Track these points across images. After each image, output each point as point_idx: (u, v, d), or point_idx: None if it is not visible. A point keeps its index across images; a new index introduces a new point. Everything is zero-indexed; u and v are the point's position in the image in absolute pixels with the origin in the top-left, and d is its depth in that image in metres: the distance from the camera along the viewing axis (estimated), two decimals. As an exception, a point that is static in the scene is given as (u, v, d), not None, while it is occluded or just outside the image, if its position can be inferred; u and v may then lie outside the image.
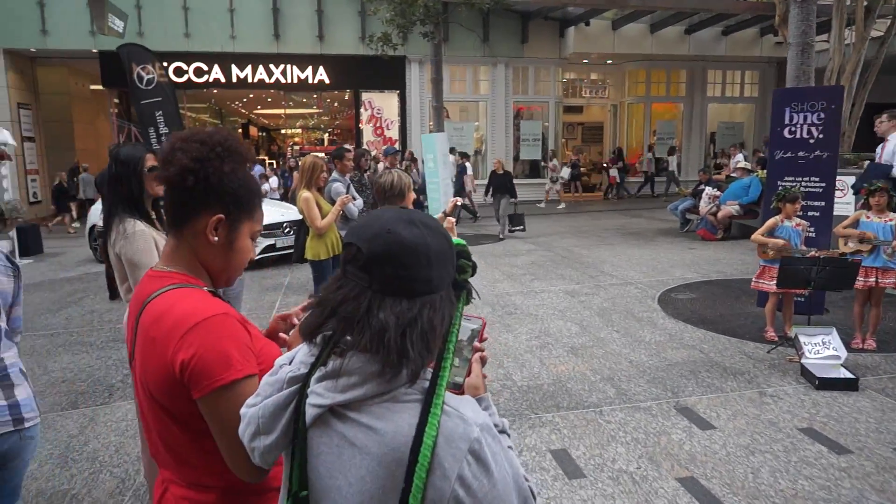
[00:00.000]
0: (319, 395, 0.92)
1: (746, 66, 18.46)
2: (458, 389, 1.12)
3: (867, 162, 8.48)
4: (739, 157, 11.46)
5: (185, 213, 1.25)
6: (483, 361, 1.17)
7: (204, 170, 1.21)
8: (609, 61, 18.51)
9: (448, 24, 16.18)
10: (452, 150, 17.00)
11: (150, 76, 9.29)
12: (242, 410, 1.04)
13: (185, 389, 1.15)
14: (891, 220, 4.48)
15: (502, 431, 1.15)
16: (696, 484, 2.97)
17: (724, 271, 7.71)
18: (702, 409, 3.79)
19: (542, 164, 17.87)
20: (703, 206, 10.48)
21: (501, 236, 11.08)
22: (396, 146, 16.89)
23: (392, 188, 3.31)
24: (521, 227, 11.24)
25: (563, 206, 15.97)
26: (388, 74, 16.42)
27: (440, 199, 11.22)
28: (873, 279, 4.50)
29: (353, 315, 0.90)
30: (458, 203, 3.55)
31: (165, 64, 14.30)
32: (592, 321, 5.72)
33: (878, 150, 6.31)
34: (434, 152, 11.35)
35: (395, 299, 0.90)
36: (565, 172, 17.74)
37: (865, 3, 12.48)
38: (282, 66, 16.14)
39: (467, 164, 15.18)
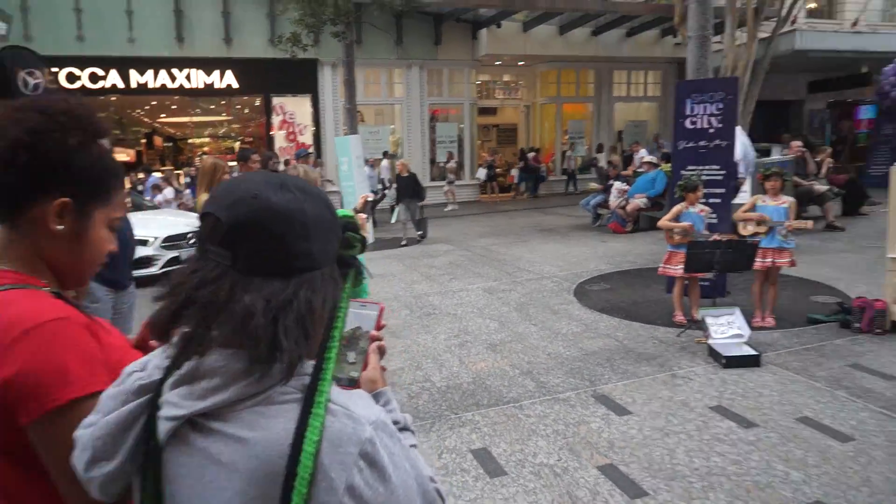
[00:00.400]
0: (174, 404, 0.75)
1: (649, 67, 19.30)
2: (354, 385, 0.98)
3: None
4: (643, 152, 11.91)
5: (19, 198, 1.02)
6: (381, 352, 1.03)
7: (42, 144, 1.00)
8: (521, 63, 18.86)
9: (361, 25, 15.99)
10: (386, 154, 16.90)
11: (37, 81, 8.53)
12: (76, 433, 0.84)
13: (10, 414, 0.93)
14: (784, 203, 4.72)
15: (404, 429, 1.02)
16: (616, 470, 2.96)
17: (634, 261, 7.94)
18: (618, 395, 3.82)
19: (442, 164, 17.64)
20: (613, 200, 10.81)
21: (404, 242, 10.29)
22: (310, 150, 16.50)
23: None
24: (422, 234, 10.68)
25: (450, 207, 15.75)
26: (300, 78, 16.01)
27: (355, 203, 11.00)
28: (770, 259, 4.72)
29: (212, 301, 0.73)
30: (369, 199, 3.41)
31: (56, 69, 13.30)
32: (511, 316, 5.71)
33: None
34: (348, 155, 11.12)
35: (264, 279, 0.74)
36: (481, 173, 17.93)
37: (754, 6, 13.33)
38: (186, 71, 15.37)
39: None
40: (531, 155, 18.42)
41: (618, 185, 11.01)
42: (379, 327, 1.03)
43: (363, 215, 3.27)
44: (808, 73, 19.87)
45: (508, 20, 16.66)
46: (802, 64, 17.67)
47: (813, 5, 20.04)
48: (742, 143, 6.66)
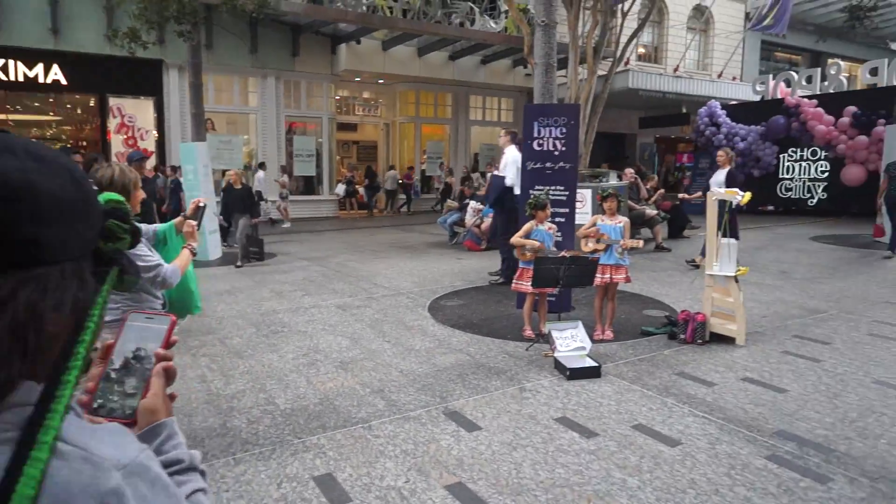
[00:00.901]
0: None
1: (502, 94, 20.27)
2: (131, 419, 0.77)
3: (490, 174, 9.98)
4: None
5: None
6: (169, 376, 0.82)
7: None
8: (381, 81, 18.91)
9: (211, 28, 15.10)
10: (262, 165, 15.95)
11: None
12: None
13: None
14: (620, 222, 5.05)
15: (189, 469, 0.82)
16: (464, 489, 2.89)
17: (487, 278, 8.13)
18: (469, 411, 3.79)
19: (276, 181, 16.71)
20: (469, 218, 11.08)
21: (239, 264, 9.06)
22: (148, 154, 15.21)
23: (112, 184, 2.73)
24: (257, 254, 9.57)
25: (287, 224, 15.21)
26: (142, 79, 14.76)
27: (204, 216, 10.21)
28: (608, 275, 5.01)
29: None
30: (201, 205, 3.08)
31: None
32: (364, 333, 5.53)
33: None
34: (194, 163, 10.34)
35: None
36: (340, 189, 17.64)
37: (594, 45, 14.49)
38: (2, 61, 13.52)
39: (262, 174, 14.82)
40: (405, 172, 18.59)
41: (473, 205, 11.30)
42: (168, 344, 0.83)
43: (193, 222, 2.94)
44: (639, 110, 22.00)
45: (368, 38, 16.67)
46: (635, 101, 19.52)
47: (642, 51, 22.34)
48: (516, 166, 7.00)
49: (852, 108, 14.75)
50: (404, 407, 3.85)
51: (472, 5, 17.37)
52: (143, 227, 2.88)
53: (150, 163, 14.79)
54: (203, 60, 11.44)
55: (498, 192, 7.56)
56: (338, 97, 18.77)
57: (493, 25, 17.41)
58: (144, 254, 2.66)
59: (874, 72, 16.82)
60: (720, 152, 8.28)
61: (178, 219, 3.09)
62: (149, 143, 15.49)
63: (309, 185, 18.02)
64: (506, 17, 17.15)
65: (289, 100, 17.29)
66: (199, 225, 3.03)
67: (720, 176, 8.00)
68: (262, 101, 16.81)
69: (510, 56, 18.25)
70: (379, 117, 20.07)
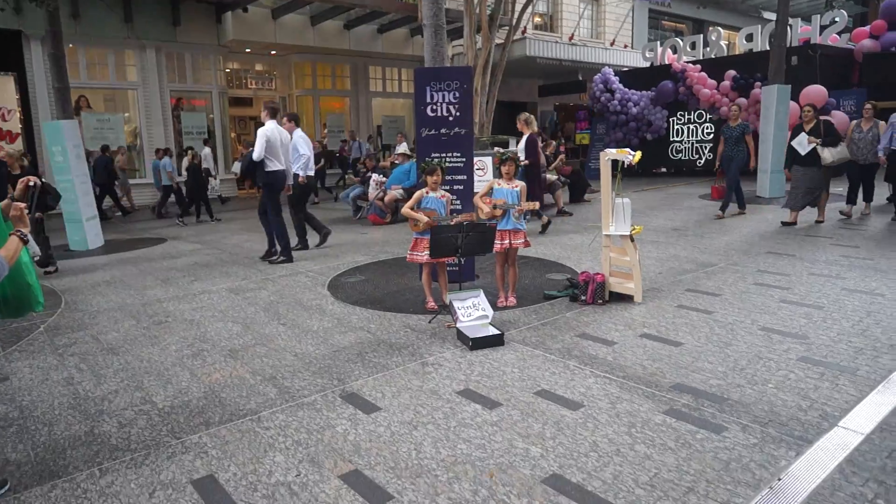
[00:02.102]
0: None
1: (402, 64, 19.83)
2: None
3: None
4: (403, 144, 12.10)
5: None
6: None
7: None
8: (273, 52, 17.95)
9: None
10: (206, 142, 15.12)
11: None
12: None
13: None
14: (516, 186, 4.95)
15: None
16: (361, 476, 2.69)
17: (391, 251, 7.91)
18: (368, 391, 3.58)
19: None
20: (372, 192, 10.76)
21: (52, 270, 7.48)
22: (18, 141, 13.75)
23: None
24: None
25: (118, 214, 14.04)
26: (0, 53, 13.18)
27: (78, 202, 9.29)
28: (507, 241, 4.92)
29: None
30: (31, 184, 2.64)
31: None
32: (257, 317, 5.17)
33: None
34: (61, 144, 9.34)
35: None
36: (237, 167, 16.68)
37: (489, 13, 14.37)
38: None
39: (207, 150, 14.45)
40: (339, 145, 17.72)
41: (375, 177, 10.99)
42: None
43: (21, 204, 2.50)
44: (538, 79, 22.27)
45: (256, 5, 15.72)
46: (533, 69, 19.72)
47: (538, 20, 22.55)
48: (265, 139, 7.06)
49: (732, 72, 15.58)
50: (298, 393, 3.59)
51: (366, -29, 16.76)
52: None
53: (17, 146, 13.37)
54: (73, 31, 10.31)
55: (245, 164, 7.44)
56: (228, 70, 17.67)
57: (389, -7, 16.91)
58: None
59: (750, 38, 17.88)
60: (520, 118, 8.84)
61: (5, 201, 2.63)
62: (12, 124, 13.93)
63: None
64: (401, -16, 16.68)
65: (173, 73, 16.07)
66: (31, 208, 2.59)
67: (521, 143, 8.62)
68: (143, 75, 15.51)
69: (407, 25, 17.83)
70: (274, 91, 19.10)
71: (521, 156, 8.47)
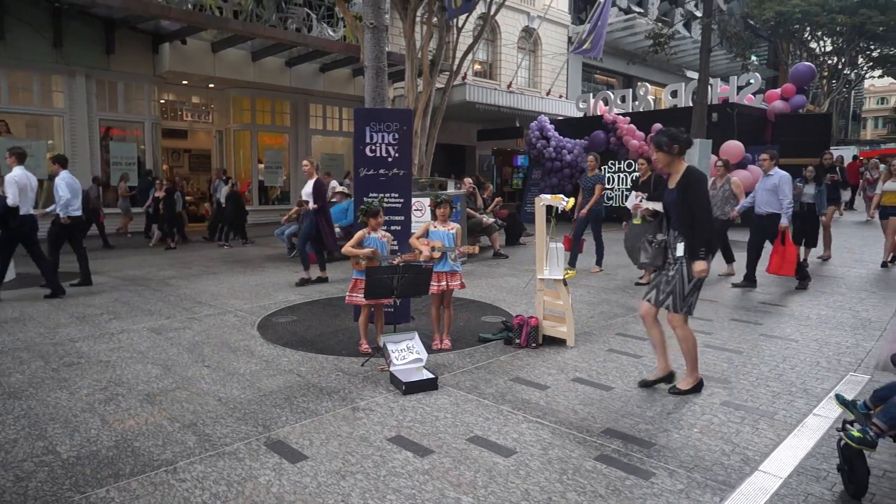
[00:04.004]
0: None
1: (343, 103, 19.89)
2: None
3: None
4: (334, 182, 12.03)
5: None
6: None
7: None
8: (211, 85, 17.66)
9: (3, 16, 13.08)
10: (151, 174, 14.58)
11: None
12: None
13: None
14: (452, 229, 4.97)
15: None
16: (283, 531, 2.54)
17: (326, 291, 7.76)
18: (295, 438, 3.43)
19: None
20: (308, 230, 10.57)
21: None
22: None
23: None
24: None
25: (129, 236, 13.89)
26: None
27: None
28: (444, 283, 4.91)
29: None
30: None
31: None
32: (180, 359, 4.91)
33: None
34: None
35: None
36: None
37: (431, 58, 14.70)
38: None
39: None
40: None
41: (312, 215, 10.81)
42: None
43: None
44: (477, 123, 22.81)
45: (195, 38, 15.48)
46: (472, 114, 20.18)
47: (478, 67, 23.25)
48: (16, 185, 7.17)
49: (658, 125, 16.43)
50: (219, 441, 3.39)
51: (309, 11, 16.88)
52: None
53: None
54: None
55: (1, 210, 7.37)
56: (163, 101, 17.21)
57: (332, 34, 17.04)
58: None
59: (675, 94, 19.06)
60: (307, 161, 8.31)
61: None
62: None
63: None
64: (344, 26, 16.88)
65: (103, 102, 15.50)
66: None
67: (308, 187, 8.10)
68: (71, 102, 14.88)
69: (350, 65, 17.98)
70: (211, 124, 18.72)
71: (309, 200, 8.00)
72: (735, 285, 7.96)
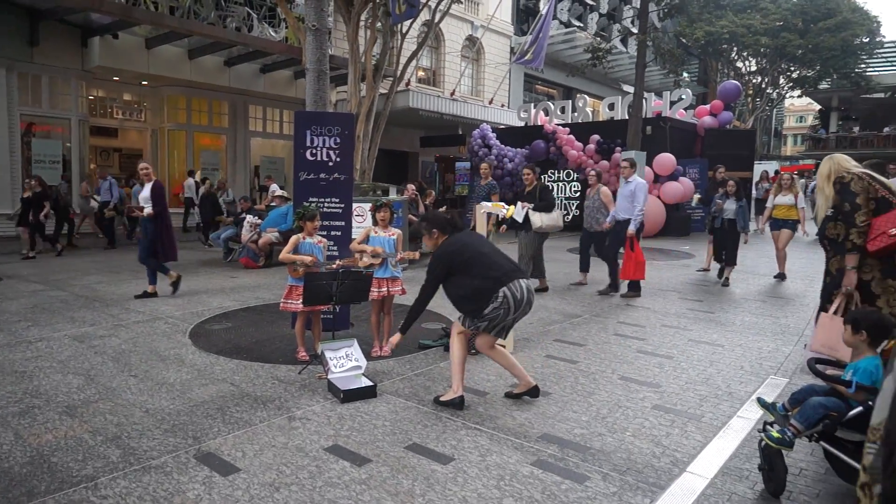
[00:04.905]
0: None
1: (284, 106, 19.53)
2: None
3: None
4: (275, 186, 11.80)
5: None
6: None
7: None
8: (144, 82, 16.99)
9: None
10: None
11: None
12: None
13: None
14: (393, 234, 4.95)
15: None
16: (212, 547, 2.45)
17: (263, 297, 7.57)
18: (227, 450, 3.31)
19: None
20: (245, 234, 10.33)
21: None
22: None
23: None
24: None
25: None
26: None
27: None
28: (385, 289, 4.88)
29: None
30: None
31: None
32: (104, 369, 4.67)
33: None
34: None
35: None
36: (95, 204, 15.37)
37: (374, 63, 14.65)
38: None
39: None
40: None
41: (250, 219, 10.57)
42: None
43: None
44: (420, 130, 22.86)
45: (128, 32, 14.89)
46: (416, 120, 20.23)
47: (422, 73, 23.33)
48: None
49: (596, 137, 16.95)
50: (145, 455, 3.24)
51: (250, 11, 16.52)
52: None
53: None
54: None
55: None
56: (91, 97, 16.43)
57: (273, 34, 16.73)
58: None
59: (612, 107, 19.68)
60: (142, 165, 7.53)
61: None
62: None
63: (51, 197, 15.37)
64: (286, 27, 16.60)
65: (26, 96, 14.65)
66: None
67: (146, 191, 7.35)
68: (-12, 95, 14.00)
69: (291, 67, 17.69)
70: (144, 122, 18.00)
71: (147, 206, 7.30)
72: (600, 292, 8.10)
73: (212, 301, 7.28)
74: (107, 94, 17.07)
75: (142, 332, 5.78)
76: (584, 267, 8.85)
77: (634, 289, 7.96)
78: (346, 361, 4.33)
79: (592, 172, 8.71)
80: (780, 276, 9.26)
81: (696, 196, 9.10)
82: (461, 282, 3.88)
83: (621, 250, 8.03)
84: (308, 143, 5.60)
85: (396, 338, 4.09)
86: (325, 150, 5.63)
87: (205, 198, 13.74)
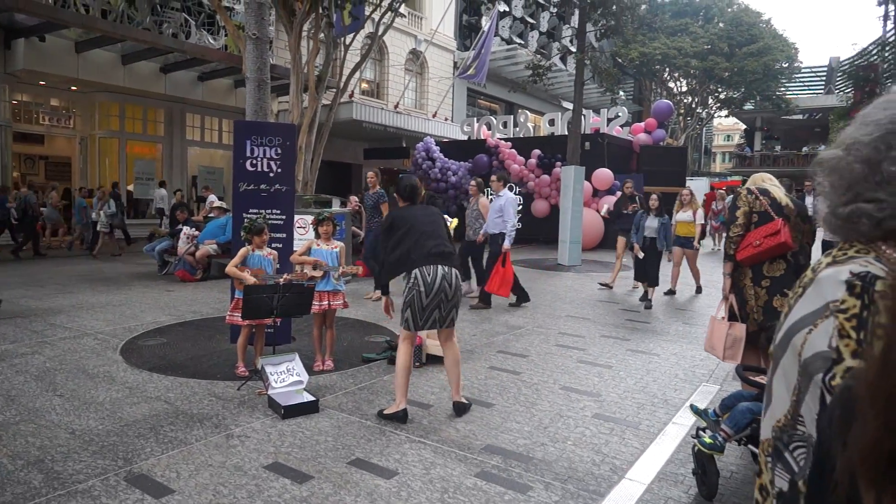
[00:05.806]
0: None
1: (223, 115, 19.08)
2: None
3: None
4: (213, 197, 11.49)
5: None
6: None
7: None
8: (74, 87, 16.26)
9: None
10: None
11: None
12: None
13: None
14: (336, 247, 4.91)
15: None
16: (143, 574, 2.33)
17: (200, 311, 7.33)
18: (160, 471, 3.18)
19: None
20: (182, 246, 9.98)
21: None
22: None
23: None
24: None
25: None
26: None
27: None
28: (326, 302, 4.82)
29: None
30: None
31: None
32: (26, 388, 4.41)
33: None
34: None
35: None
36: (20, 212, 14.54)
37: (317, 74, 14.53)
38: None
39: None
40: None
41: (186, 231, 10.23)
42: None
43: None
44: (364, 142, 22.77)
45: (56, 35, 14.24)
46: (359, 132, 20.14)
47: (365, 86, 23.29)
48: None
49: (537, 151, 17.32)
50: (71, 479, 3.07)
51: (188, 17, 16.10)
52: None
53: None
54: None
55: None
56: (15, 101, 15.59)
57: (212, 41, 16.35)
58: None
59: (552, 122, 20.20)
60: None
61: None
62: None
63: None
64: (226, 35, 16.26)
65: (-60, 99, 13.79)
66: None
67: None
68: None
69: (231, 76, 17.32)
70: (73, 129, 17.19)
71: None
72: (473, 307, 7.84)
73: (145, 316, 6.99)
74: (32, 99, 16.24)
75: (68, 349, 5.49)
76: (466, 275, 8.48)
77: (486, 301, 7.84)
78: (287, 376, 4.24)
79: (473, 183, 8.56)
80: (697, 290, 9.37)
81: (606, 206, 9.28)
82: (394, 248, 4.07)
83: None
84: (248, 154, 5.49)
85: (384, 300, 4.42)
86: (265, 161, 5.53)
87: (175, 207, 13.17)
